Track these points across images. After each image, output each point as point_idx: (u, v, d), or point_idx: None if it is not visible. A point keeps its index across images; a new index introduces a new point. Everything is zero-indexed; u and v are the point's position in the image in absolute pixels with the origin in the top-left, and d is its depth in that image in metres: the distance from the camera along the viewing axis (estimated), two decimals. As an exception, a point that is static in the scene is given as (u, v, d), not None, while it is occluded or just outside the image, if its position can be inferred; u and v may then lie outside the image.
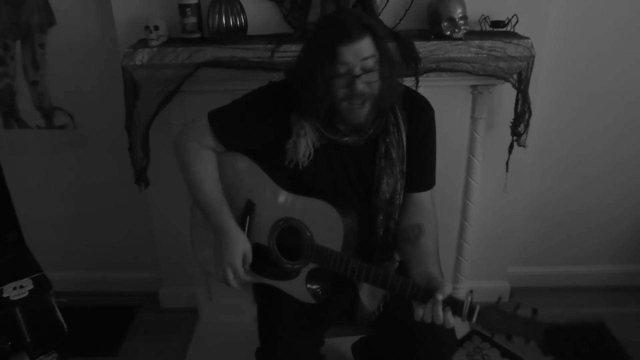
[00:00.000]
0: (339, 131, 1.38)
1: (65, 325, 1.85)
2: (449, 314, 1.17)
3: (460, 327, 2.18)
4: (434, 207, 1.48)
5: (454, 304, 1.18)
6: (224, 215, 1.43)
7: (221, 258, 1.43)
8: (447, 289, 1.18)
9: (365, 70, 1.25)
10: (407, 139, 1.41)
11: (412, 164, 1.43)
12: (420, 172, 1.46)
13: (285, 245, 1.44)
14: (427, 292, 1.21)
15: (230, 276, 1.43)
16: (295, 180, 1.42)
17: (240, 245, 1.42)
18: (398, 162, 1.40)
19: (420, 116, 1.44)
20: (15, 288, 1.76)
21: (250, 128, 1.42)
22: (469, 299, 1.17)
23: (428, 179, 1.48)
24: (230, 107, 1.45)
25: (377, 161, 1.41)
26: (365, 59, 1.24)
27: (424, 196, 1.47)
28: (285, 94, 1.39)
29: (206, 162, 1.45)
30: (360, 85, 1.25)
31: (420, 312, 1.20)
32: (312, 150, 1.39)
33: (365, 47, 1.24)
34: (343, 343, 1.93)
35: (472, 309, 1.17)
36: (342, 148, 1.40)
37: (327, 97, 1.28)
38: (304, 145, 1.38)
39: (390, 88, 1.32)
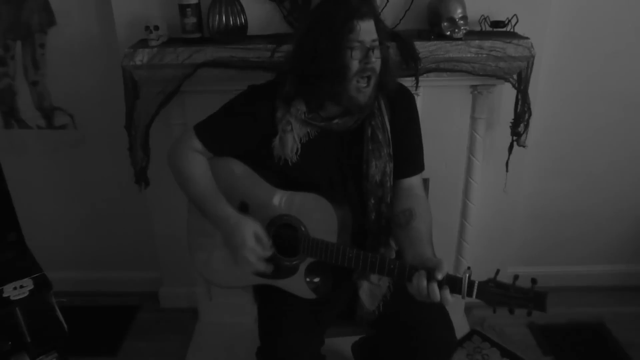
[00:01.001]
0: (328, 116, 1.40)
1: (65, 325, 1.85)
2: (446, 291, 1.16)
3: (460, 327, 2.18)
4: (424, 192, 1.50)
5: (452, 282, 1.17)
6: (221, 204, 1.40)
7: (234, 247, 1.37)
8: (444, 268, 1.17)
9: (374, 47, 1.30)
10: (391, 124, 1.44)
11: (399, 149, 1.45)
12: (408, 157, 1.48)
13: (282, 243, 1.44)
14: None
15: (252, 258, 1.35)
16: (287, 177, 1.43)
17: (247, 226, 1.36)
18: (385, 144, 1.42)
19: (402, 102, 1.47)
20: (15, 288, 1.76)
21: (236, 132, 1.44)
22: (467, 275, 1.16)
23: (416, 163, 1.50)
24: (214, 116, 1.47)
25: (365, 145, 1.43)
26: (374, 40, 1.30)
27: (413, 181, 1.48)
28: (266, 94, 1.42)
29: (197, 162, 1.46)
30: (374, 58, 1.30)
31: (414, 288, 1.19)
32: (299, 146, 1.41)
33: (372, 27, 1.30)
34: (343, 343, 1.93)
35: (470, 285, 1.16)
36: (330, 138, 1.42)
37: (344, 71, 1.30)
38: (290, 141, 1.40)
39: (389, 69, 1.37)
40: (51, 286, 1.80)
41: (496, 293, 1.15)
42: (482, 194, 2.13)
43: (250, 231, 1.35)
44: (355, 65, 1.30)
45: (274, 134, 1.42)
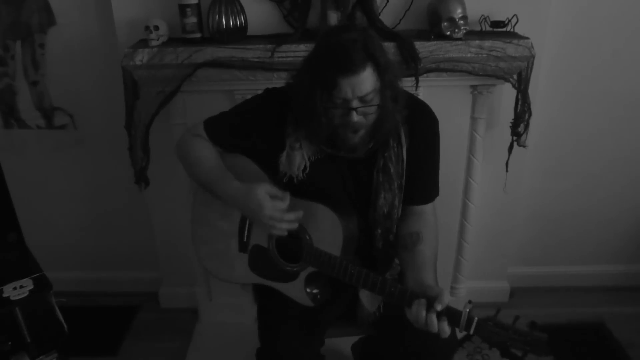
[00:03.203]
0: (336, 145, 1.35)
1: (65, 325, 1.85)
2: (445, 324, 1.15)
3: (460, 327, 2.18)
4: (435, 217, 1.46)
5: (451, 315, 1.16)
6: (228, 179, 1.38)
7: (255, 215, 1.32)
8: (445, 299, 1.16)
9: (363, 103, 1.23)
10: (409, 152, 1.38)
11: (414, 177, 1.40)
12: (423, 185, 1.44)
13: (285, 247, 1.44)
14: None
15: (277, 215, 1.30)
16: (291, 190, 1.40)
17: (258, 189, 1.31)
18: (396, 176, 1.38)
19: (423, 128, 1.41)
20: (15, 288, 1.76)
21: (244, 137, 1.42)
22: (467, 310, 1.15)
23: (430, 192, 1.46)
24: (225, 115, 1.45)
25: (375, 175, 1.39)
26: (364, 95, 1.21)
27: (425, 208, 1.45)
28: (281, 104, 1.37)
29: (203, 144, 1.44)
30: (356, 118, 1.23)
31: (412, 317, 1.18)
32: (307, 164, 1.37)
33: (365, 79, 1.20)
34: (343, 343, 1.93)
35: (470, 320, 1.14)
36: (340, 161, 1.38)
37: (324, 124, 1.26)
38: (298, 158, 1.37)
39: (389, 119, 1.29)
40: (51, 286, 1.80)
41: (495, 332, 1.13)
42: (482, 194, 2.13)
43: (262, 192, 1.31)
44: (336, 120, 1.25)
45: (281, 148, 1.38)
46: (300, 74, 1.31)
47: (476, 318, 1.14)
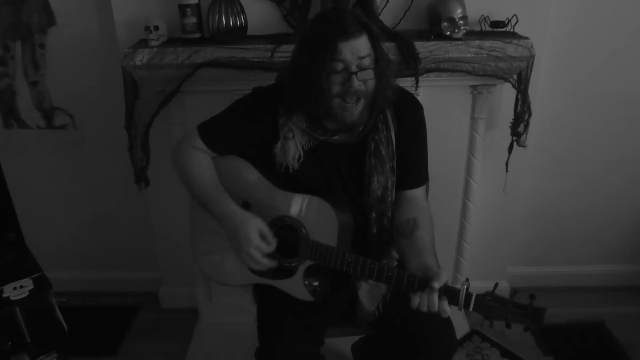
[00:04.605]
0: (328, 131, 1.39)
1: (65, 325, 1.85)
2: (445, 303, 1.17)
3: (460, 327, 2.18)
4: (427, 203, 1.49)
5: (450, 293, 1.17)
6: (224, 200, 1.40)
7: (238, 244, 1.37)
8: (443, 278, 1.18)
9: (362, 68, 1.27)
10: (397, 136, 1.42)
11: (403, 161, 1.44)
12: (412, 169, 1.46)
13: (282, 244, 1.44)
14: (422, 282, 1.21)
15: (257, 255, 1.35)
16: (288, 180, 1.43)
17: (252, 223, 1.36)
18: (388, 159, 1.41)
19: (409, 113, 1.45)
20: (15, 288, 1.76)
21: (238, 135, 1.44)
22: (465, 287, 1.16)
23: (420, 176, 1.49)
24: (218, 117, 1.47)
25: (367, 159, 1.41)
26: (362, 57, 1.26)
27: (416, 192, 1.47)
28: (271, 98, 1.41)
29: (200, 159, 1.46)
30: (356, 83, 1.27)
31: (416, 301, 1.20)
32: (301, 153, 1.40)
33: (362, 44, 1.26)
34: (343, 343, 1.93)
35: (468, 297, 1.16)
36: (333, 148, 1.41)
37: (324, 93, 1.28)
38: (292, 148, 1.40)
39: (384, 87, 1.33)
40: (51, 286, 1.80)
41: (493, 307, 1.15)
42: (482, 194, 2.13)
43: (255, 228, 1.35)
44: (335, 88, 1.28)
45: (275, 139, 1.41)
46: (297, 52, 1.36)
47: (474, 294, 1.16)
